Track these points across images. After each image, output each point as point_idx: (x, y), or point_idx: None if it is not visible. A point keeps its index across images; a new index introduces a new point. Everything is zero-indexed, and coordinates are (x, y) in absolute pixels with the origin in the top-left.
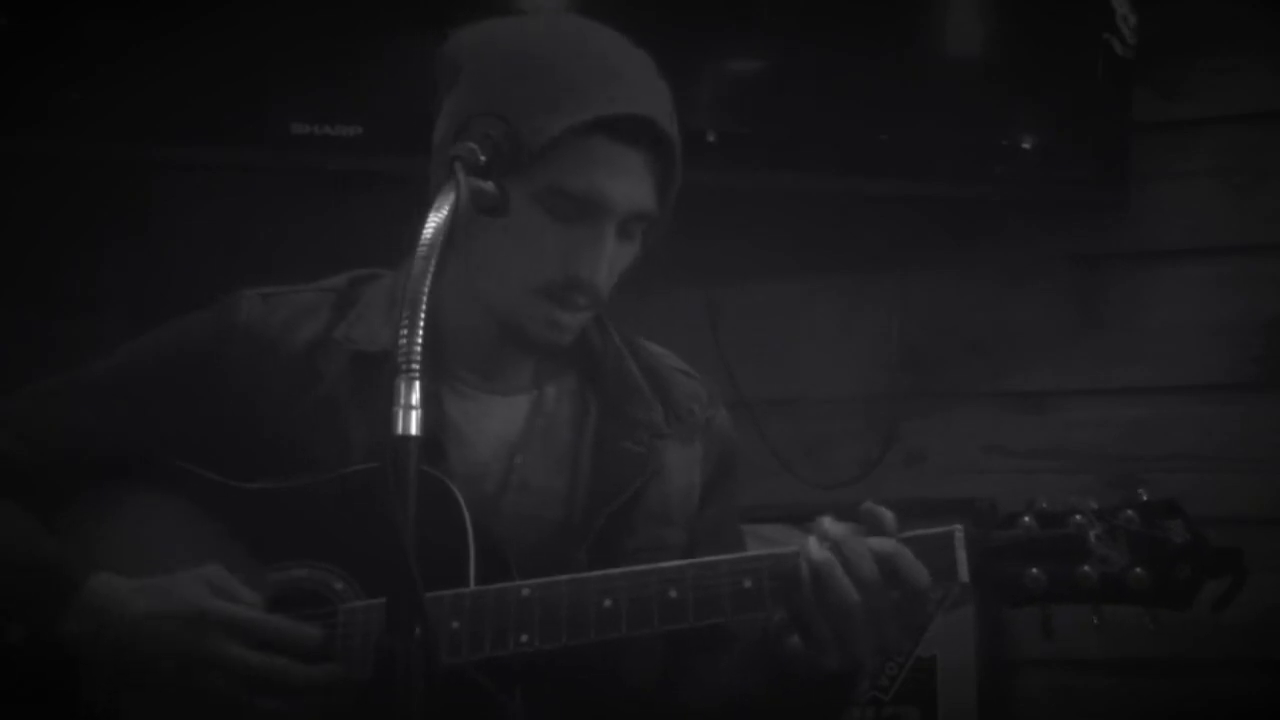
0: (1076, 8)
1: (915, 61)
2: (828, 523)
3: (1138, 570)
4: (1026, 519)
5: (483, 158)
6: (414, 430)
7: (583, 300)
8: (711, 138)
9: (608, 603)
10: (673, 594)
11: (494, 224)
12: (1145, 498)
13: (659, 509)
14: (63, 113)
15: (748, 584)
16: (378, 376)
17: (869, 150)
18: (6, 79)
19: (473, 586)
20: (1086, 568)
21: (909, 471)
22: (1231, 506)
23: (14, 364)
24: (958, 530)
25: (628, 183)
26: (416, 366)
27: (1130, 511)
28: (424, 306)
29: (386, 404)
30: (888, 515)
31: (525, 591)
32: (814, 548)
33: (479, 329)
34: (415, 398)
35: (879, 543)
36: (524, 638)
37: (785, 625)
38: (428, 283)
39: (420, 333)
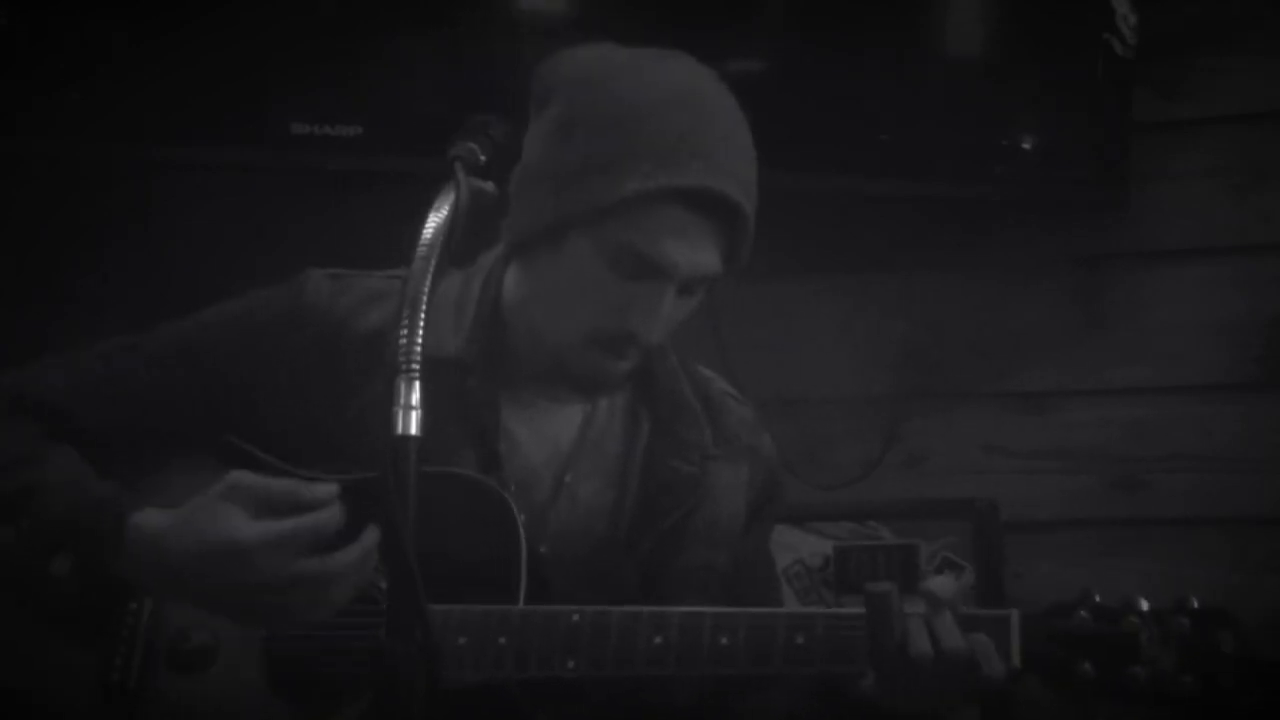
0: (1076, 8)
1: (915, 61)
2: (936, 584)
3: (1186, 678)
4: (1082, 612)
5: (483, 158)
6: (414, 430)
7: (633, 352)
8: None
9: (658, 639)
10: (724, 640)
11: (555, 265)
12: (1197, 604)
13: (705, 531)
14: (63, 113)
15: (800, 640)
16: (440, 383)
17: (869, 150)
18: (6, 79)
19: (521, 598)
20: (1137, 668)
21: (910, 472)
22: (1231, 506)
23: (14, 364)
24: (1014, 614)
25: (694, 248)
26: (416, 366)
27: (1184, 618)
28: (424, 306)
29: (442, 410)
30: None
31: (575, 617)
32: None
33: (538, 349)
34: (415, 398)
35: (979, 639)
36: (570, 663)
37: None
38: (428, 282)
39: (420, 332)
